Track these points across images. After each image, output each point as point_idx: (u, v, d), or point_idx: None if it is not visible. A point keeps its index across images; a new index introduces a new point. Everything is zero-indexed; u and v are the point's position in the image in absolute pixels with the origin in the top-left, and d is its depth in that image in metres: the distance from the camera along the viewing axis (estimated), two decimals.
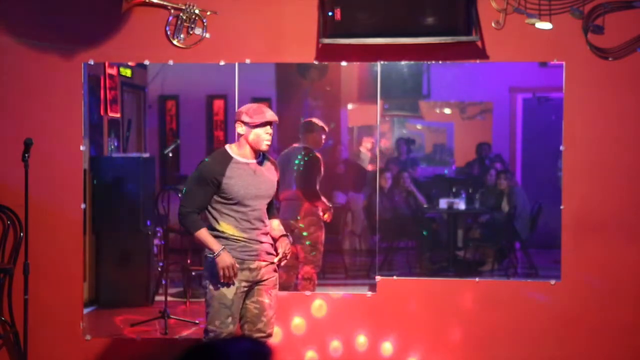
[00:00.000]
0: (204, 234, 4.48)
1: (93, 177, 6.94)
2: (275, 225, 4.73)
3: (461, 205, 8.09)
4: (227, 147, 4.60)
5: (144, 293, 7.05)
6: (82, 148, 5.74)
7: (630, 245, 5.54)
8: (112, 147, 7.57)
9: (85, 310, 5.97)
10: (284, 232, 4.72)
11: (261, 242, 4.56)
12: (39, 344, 5.63)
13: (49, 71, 5.69)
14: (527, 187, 8.44)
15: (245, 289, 4.53)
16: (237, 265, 4.46)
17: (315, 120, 6.63)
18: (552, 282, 5.63)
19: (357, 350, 5.69)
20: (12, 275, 5.64)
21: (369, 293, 5.76)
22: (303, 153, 6.49)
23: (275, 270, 4.64)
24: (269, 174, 4.63)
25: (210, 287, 4.51)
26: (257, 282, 4.57)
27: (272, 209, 4.74)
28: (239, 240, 4.49)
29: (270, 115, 4.53)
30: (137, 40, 5.66)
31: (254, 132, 4.51)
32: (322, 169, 6.56)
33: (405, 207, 8.35)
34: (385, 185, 8.06)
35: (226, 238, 4.49)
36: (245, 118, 4.51)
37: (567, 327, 5.57)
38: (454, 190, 8.26)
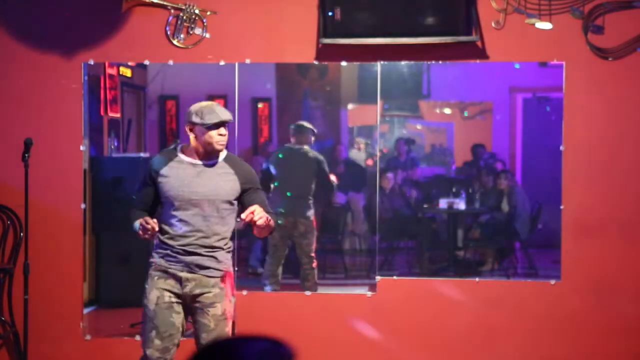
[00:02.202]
0: (133, 219, 4.20)
1: (93, 177, 6.94)
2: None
3: (461, 205, 8.08)
4: (179, 145, 4.32)
5: (144, 293, 7.03)
6: (82, 148, 5.74)
7: (630, 245, 5.54)
8: (112, 147, 7.56)
9: (85, 310, 5.96)
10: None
11: (190, 253, 4.17)
12: (39, 344, 5.63)
13: (49, 71, 5.68)
14: (527, 187, 8.44)
15: (173, 300, 4.19)
16: (149, 219, 4.08)
17: (304, 123, 6.92)
18: (552, 282, 5.63)
19: (357, 350, 5.68)
20: (12, 275, 5.64)
21: (369, 293, 5.76)
22: (304, 152, 6.74)
23: (215, 287, 4.18)
24: (222, 179, 4.21)
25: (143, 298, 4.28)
26: (192, 298, 4.19)
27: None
28: (166, 246, 4.20)
29: (223, 114, 4.15)
30: (137, 40, 5.66)
31: (206, 133, 4.14)
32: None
33: (406, 207, 8.35)
34: (386, 186, 8.06)
35: (157, 248, 4.26)
36: (195, 119, 4.15)
37: (567, 327, 5.57)
38: (454, 190, 8.26)
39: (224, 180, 4.21)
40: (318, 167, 6.79)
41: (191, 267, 4.19)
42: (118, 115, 7.83)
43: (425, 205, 8.40)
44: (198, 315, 4.22)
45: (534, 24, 5.45)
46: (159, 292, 4.20)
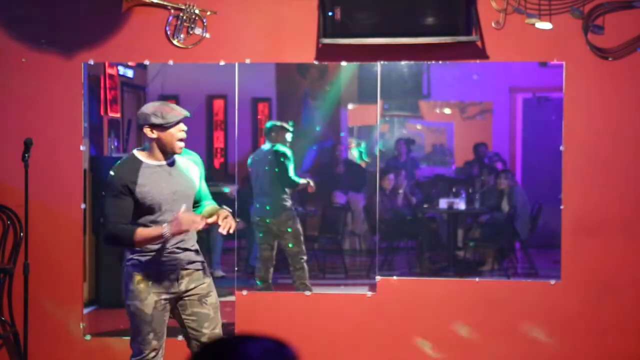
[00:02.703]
0: (141, 232, 4.03)
1: (93, 177, 6.94)
2: (208, 206, 4.29)
3: (461, 205, 8.09)
4: (135, 152, 4.20)
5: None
6: (82, 148, 5.74)
7: (630, 245, 5.54)
8: (112, 147, 7.56)
9: (85, 310, 5.96)
10: (219, 206, 4.25)
11: (183, 250, 4.20)
12: (39, 344, 5.63)
13: (49, 71, 5.69)
14: (527, 187, 8.44)
15: (167, 302, 4.21)
16: (182, 211, 4.02)
17: (276, 122, 7.08)
18: (552, 282, 5.63)
19: (357, 350, 5.68)
20: (12, 275, 5.64)
21: (369, 293, 5.76)
22: (270, 150, 6.78)
23: (205, 276, 4.27)
24: (188, 171, 4.23)
25: (128, 302, 4.20)
26: (183, 294, 4.23)
27: (202, 204, 4.31)
28: (156, 249, 4.13)
29: (182, 110, 4.11)
30: (137, 40, 5.66)
31: (168, 133, 4.08)
32: (291, 159, 6.88)
33: (406, 207, 8.35)
34: (386, 186, 8.06)
35: (141, 251, 4.13)
36: (155, 120, 4.07)
37: (567, 327, 5.57)
38: (454, 190, 8.26)
39: (191, 173, 4.24)
40: (277, 161, 6.80)
41: (184, 264, 4.21)
42: (118, 115, 7.83)
43: (425, 205, 8.40)
44: (195, 307, 4.25)
45: (534, 24, 5.45)
46: (157, 296, 4.19)
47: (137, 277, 4.18)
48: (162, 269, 4.18)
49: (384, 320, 5.68)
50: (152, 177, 4.12)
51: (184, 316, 4.28)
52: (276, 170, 6.81)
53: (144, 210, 4.11)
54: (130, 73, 8.01)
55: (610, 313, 5.55)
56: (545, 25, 5.46)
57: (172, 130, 4.09)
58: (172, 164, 4.19)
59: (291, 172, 6.85)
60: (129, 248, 4.16)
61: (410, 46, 5.51)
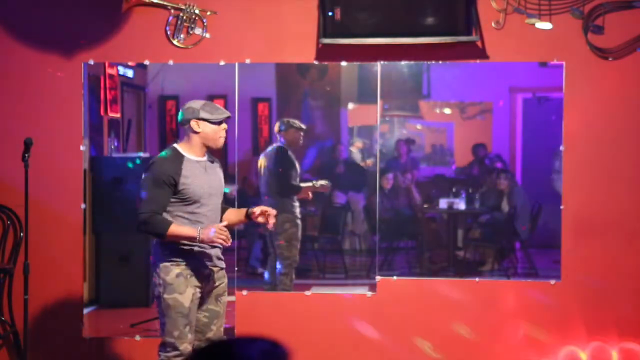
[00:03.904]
0: (175, 228, 4.21)
1: (93, 177, 6.94)
2: (234, 213, 4.55)
3: (461, 205, 8.09)
4: (177, 146, 4.40)
5: (144, 293, 7.04)
6: (82, 148, 5.74)
7: (630, 245, 5.54)
8: (112, 147, 7.56)
9: (85, 310, 5.97)
10: (245, 209, 4.52)
11: (213, 246, 4.37)
12: (39, 344, 5.63)
13: (49, 71, 5.69)
14: (527, 187, 8.44)
15: (200, 295, 4.37)
16: (220, 226, 4.23)
17: (290, 120, 6.87)
18: (552, 282, 5.63)
19: (357, 350, 5.68)
20: (12, 275, 5.64)
21: (369, 293, 5.76)
22: (274, 151, 6.71)
23: (225, 276, 4.51)
24: (218, 171, 4.49)
25: (165, 296, 4.30)
26: (210, 289, 4.43)
27: (222, 206, 4.55)
28: (193, 243, 4.28)
29: (226, 110, 4.39)
30: (137, 40, 5.66)
31: (212, 129, 4.34)
32: (297, 163, 6.77)
33: (406, 207, 8.35)
34: (386, 186, 8.06)
35: (178, 244, 4.28)
36: (205, 115, 4.32)
37: (567, 327, 5.57)
38: (454, 190, 8.26)
39: (221, 174, 4.51)
40: (278, 164, 6.72)
41: (214, 260, 4.42)
42: (118, 115, 7.83)
43: (425, 205, 8.40)
44: (211, 304, 4.45)
45: (534, 24, 5.45)
46: (194, 289, 4.33)
47: (176, 269, 4.31)
48: (197, 264, 4.34)
49: (384, 320, 5.68)
50: (193, 171, 4.32)
51: (198, 311, 4.41)
52: (279, 171, 6.74)
53: (182, 201, 4.29)
54: (130, 73, 8.02)
55: (610, 313, 5.55)
56: (545, 25, 5.46)
57: (216, 126, 4.34)
58: (208, 161, 4.43)
59: (292, 177, 6.72)
60: (160, 239, 4.29)
61: (410, 46, 5.51)
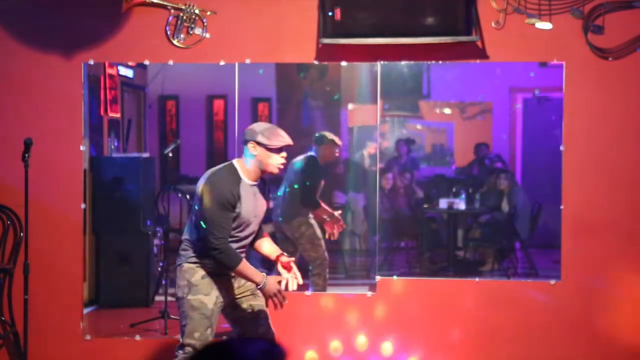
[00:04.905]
0: (244, 267, 4.25)
1: (93, 177, 6.95)
2: (268, 245, 4.58)
3: (461, 205, 8.09)
4: (236, 164, 4.35)
5: (144, 293, 7.05)
6: (82, 148, 5.74)
7: (630, 245, 5.54)
8: (112, 147, 7.57)
9: (85, 310, 5.97)
10: (280, 251, 4.56)
11: (243, 252, 4.42)
12: (39, 344, 5.62)
13: (49, 71, 5.69)
14: (527, 187, 8.44)
15: (222, 302, 4.38)
16: (284, 293, 4.34)
17: (326, 133, 6.79)
18: (552, 282, 5.63)
19: (357, 350, 5.69)
20: (12, 275, 5.64)
21: (369, 293, 5.76)
22: (304, 160, 6.60)
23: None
24: (263, 196, 4.45)
25: (189, 297, 4.31)
26: (235, 296, 4.44)
27: (260, 229, 4.57)
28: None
29: (287, 138, 4.33)
30: (137, 40, 5.66)
31: (269, 155, 4.28)
32: (322, 179, 6.67)
33: (406, 207, 8.35)
34: (386, 186, 8.06)
35: (206, 248, 4.26)
36: (262, 140, 4.27)
37: (567, 327, 5.57)
38: (454, 190, 8.27)
39: (263, 199, 4.46)
40: (302, 176, 6.62)
41: None
42: (118, 115, 7.84)
43: (425, 205, 8.41)
44: (250, 301, 4.45)
45: (534, 24, 5.45)
46: (218, 292, 4.34)
47: (201, 271, 4.32)
48: (219, 270, 4.33)
49: (384, 320, 5.68)
50: (246, 195, 4.30)
51: (239, 311, 4.45)
52: (305, 182, 6.61)
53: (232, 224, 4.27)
54: (130, 73, 8.02)
55: (610, 313, 5.55)
56: (545, 25, 5.46)
57: (272, 153, 4.28)
58: (257, 186, 4.38)
59: (315, 191, 6.61)
60: (225, 268, 4.28)
61: (410, 46, 5.51)
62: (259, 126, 4.34)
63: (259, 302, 4.47)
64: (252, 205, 4.32)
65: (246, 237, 4.38)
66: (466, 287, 5.74)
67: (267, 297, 4.30)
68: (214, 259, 4.23)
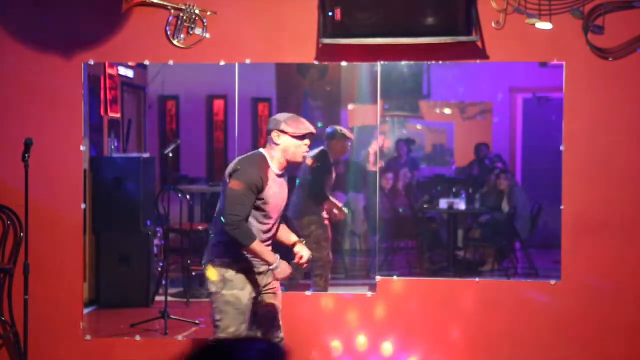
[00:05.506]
0: (257, 246, 4.28)
1: (93, 177, 6.95)
2: (285, 231, 4.62)
3: (461, 205, 8.09)
4: (264, 153, 4.42)
5: (144, 293, 7.05)
6: (82, 148, 5.74)
7: (630, 245, 5.54)
8: (112, 147, 7.57)
9: (85, 310, 5.97)
10: (298, 238, 4.61)
11: (268, 246, 4.47)
12: (39, 344, 5.63)
13: (49, 71, 5.68)
14: (527, 187, 8.44)
15: (254, 294, 4.44)
16: (289, 272, 4.41)
17: (338, 127, 6.79)
18: (552, 282, 5.63)
19: (357, 350, 5.69)
20: (12, 275, 5.64)
21: (369, 293, 5.76)
22: (317, 153, 6.59)
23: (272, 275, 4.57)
24: (285, 186, 4.53)
25: (224, 291, 4.35)
26: (264, 287, 4.51)
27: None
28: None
29: (310, 126, 4.42)
30: (137, 40, 5.66)
31: (293, 143, 4.37)
32: (333, 172, 6.68)
33: (406, 207, 8.35)
34: (386, 186, 8.06)
35: (237, 244, 4.30)
36: (286, 128, 4.36)
37: (567, 327, 5.57)
38: (454, 190, 8.27)
39: (286, 191, 4.54)
40: (311, 168, 6.63)
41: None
42: (118, 115, 7.84)
43: (425, 205, 8.41)
44: (270, 299, 4.53)
45: (534, 24, 5.45)
46: (251, 287, 4.41)
47: (235, 266, 4.38)
48: (251, 263, 4.41)
49: (384, 320, 5.68)
50: (273, 183, 4.38)
51: (260, 308, 4.49)
52: (315, 175, 6.62)
53: (258, 210, 4.33)
54: (130, 73, 8.03)
55: (610, 313, 5.55)
56: (545, 25, 5.46)
57: (296, 141, 4.37)
58: (283, 176, 4.48)
59: (325, 184, 6.63)
60: (238, 245, 4.29)
61: (410, 46, 5.51)
62: (282, 115, 4.43)
63: (277, 302, 4.56)
64: (280, 193, 4.41)
65: (273, 225, 4.44)
66: (466, 287, 5.74)
67: (279, 279, 4.39)
68: (228, 233, 4.25)
